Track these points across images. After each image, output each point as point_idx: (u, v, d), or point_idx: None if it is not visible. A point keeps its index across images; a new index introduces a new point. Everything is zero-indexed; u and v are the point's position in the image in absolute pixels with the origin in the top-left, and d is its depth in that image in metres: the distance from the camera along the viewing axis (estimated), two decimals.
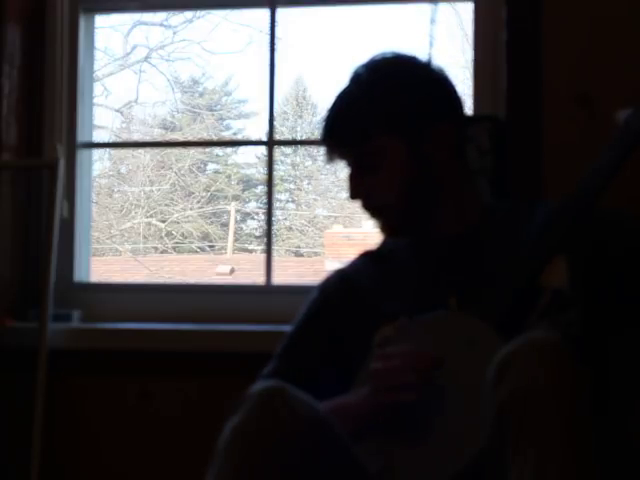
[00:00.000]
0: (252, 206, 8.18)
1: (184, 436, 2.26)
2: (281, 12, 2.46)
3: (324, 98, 8.35)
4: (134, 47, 7.21)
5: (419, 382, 1.54)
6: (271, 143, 2.46)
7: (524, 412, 1.36)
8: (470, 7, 2.31)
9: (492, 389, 1.40)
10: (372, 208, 1.75)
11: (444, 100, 1.75)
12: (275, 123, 2.49)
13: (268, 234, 2.45)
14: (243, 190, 8.15)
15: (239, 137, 8.40)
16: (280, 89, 7.12)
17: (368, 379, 1.60)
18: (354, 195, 1.75)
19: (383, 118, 1.70)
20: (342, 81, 1.77)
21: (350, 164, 1.75)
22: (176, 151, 7.74)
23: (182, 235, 7.80)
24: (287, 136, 8.32)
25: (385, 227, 1.77)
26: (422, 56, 1.78)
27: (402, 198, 1.71)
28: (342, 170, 1.82)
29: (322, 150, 1.79)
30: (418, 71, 1.75)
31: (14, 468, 2.29)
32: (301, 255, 8.03)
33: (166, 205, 7.86)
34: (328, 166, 1.96)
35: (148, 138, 8.00)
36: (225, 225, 8.02)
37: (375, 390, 1.58)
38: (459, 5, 3.89)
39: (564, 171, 2.03)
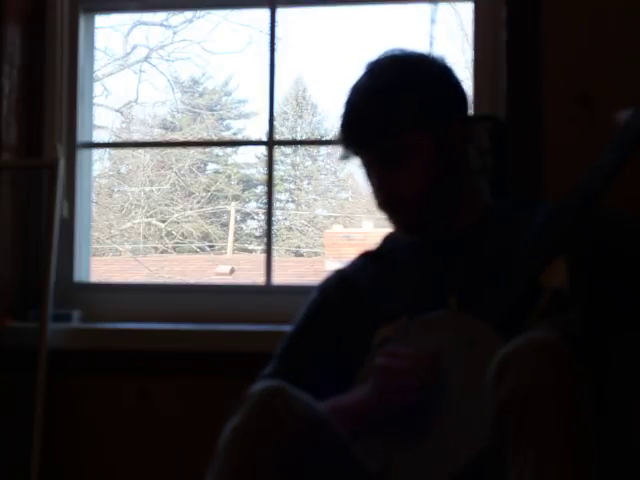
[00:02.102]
0: (252, 206, 8.18)
1: (184, 436, 2.26)
2: (281, 12, 2.46)
3: (324, 98, 8.34)
4: (134, 47, 7.20)
5: (421, 385, 1.54)
6: (271, 143, 2.46)
7: (524, 412, 1.36)
8: (470, 7, 2.31)
9: (492, 389, 1.40)
10: (395, 203, 1.71)
11: (460, 99, 1.75)
12: (275, 123, 2.49)
13: (268, 234, 2.45)
14: (243, 190, 8.14)
15: (239, 137, 8.38)
16: (280, 89, 7.10)
17: (372, 373, 1.60)
18: (381, 190, 1.71)
19: (415, 112, 1.69)
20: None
21: (373, 160, 1.72)
22: (176, 151, 7.72)
23: (182, 235, 7.79)
24: (287, 136, 8.30)
25: (403, 223, 1.75)
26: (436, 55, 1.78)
27: (426, 195, 1.69)
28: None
29: (339, 147, 1.75)
30: (439, 69, 1.75)
31: (14, 468, 2.29)
32: (301, 255, 8.02)
33: (166, 205, 7.85)
34: (343, 164, 1.94)
35: (148, 138, 7.98)
36: (225, 225, 8.01)
37: (378, 388, 1.58)
38: (459, 5, 3.87)
39: (564, 171, 2.03)
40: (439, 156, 1.70)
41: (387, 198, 1.71)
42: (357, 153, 1.74)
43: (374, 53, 1.77)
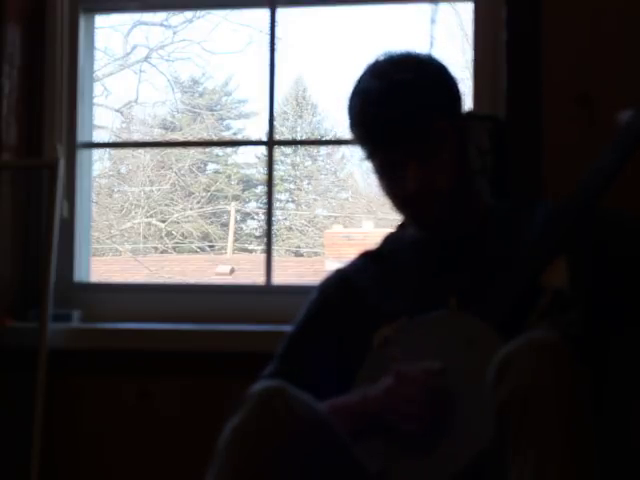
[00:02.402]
0: (252, 206, 8.19)
1: (184, 436, 2.26)
2: (281, 12, 2.46)
3: (324, 98, 8.35)
4: (134, 47, 7.21)
5: (426, 415, 1.54)
6: (271, 143, 2.46)
7: (524, 412, 1.36)
8: (470, 7, 2.31)
9: (492, 389, 1.40)
10: (425, 198, 1.68)
11: (461, 97, 1.76)
12: (275, 123, 2.49)
13: (268, 234, 2.45)
14: (243, 190, 8.15)
15: (239, 137, 8.40)
16: (280, 89, 7.12)
17: (381, 391, 1.59)
18: (414, 185, 1.67)
19: (441, 106, 1.69)
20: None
21: (405, 157, 1.68)
22: (176, 151, 7.73)
23: (182, 235, 7.80)
24: (287, 136, 8.31)
25: (427, 219, 1.72)
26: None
27: (453, 190, 1.68)
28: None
29: (360, 148, 1.73)
30: (443, 68, 1.75)
31: (14, 468, 2.29)
32: (301, 255, 8.03)
33: (166, 205, 7.86)
34: (364, 163, 1.89)
35: (148, 138, 7.99)
36: (225, 225, 8.02)
37: (386, 409, 1.58)
38: (459, 5, 3.88)
39: (564, 171, 2.03)
40: (460, 152, 1.71)
41: (418, 193, 1.67)
42: (387, 151, 1.69)
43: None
